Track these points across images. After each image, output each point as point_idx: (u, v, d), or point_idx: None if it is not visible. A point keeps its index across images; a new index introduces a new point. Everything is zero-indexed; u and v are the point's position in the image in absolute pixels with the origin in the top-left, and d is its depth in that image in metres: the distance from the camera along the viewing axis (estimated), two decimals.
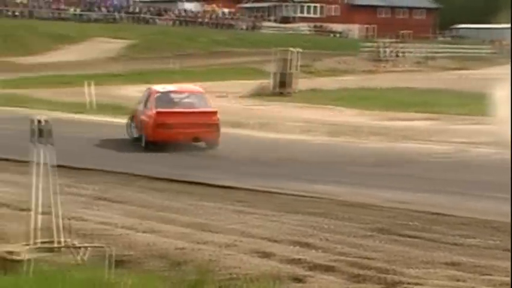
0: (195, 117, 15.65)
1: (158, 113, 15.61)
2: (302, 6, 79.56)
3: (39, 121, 7.01)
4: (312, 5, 79.91)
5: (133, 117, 16.95)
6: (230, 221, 9.14)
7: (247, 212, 9.80)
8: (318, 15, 79.37)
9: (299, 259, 7.43)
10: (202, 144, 15.76)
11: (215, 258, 7.42)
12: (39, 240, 7.17)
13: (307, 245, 7.95)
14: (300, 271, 7.06)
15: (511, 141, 14.17)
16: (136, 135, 16.63)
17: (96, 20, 71.36)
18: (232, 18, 74.83)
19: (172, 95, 16.50)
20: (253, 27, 72.38)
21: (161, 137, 15.48)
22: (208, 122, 15.59)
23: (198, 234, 8.49)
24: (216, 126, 15.62)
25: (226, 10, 75.72)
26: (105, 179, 12.28)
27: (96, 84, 25.13)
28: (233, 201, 10.48)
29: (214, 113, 15.95)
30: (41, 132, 6.99)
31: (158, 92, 16.54)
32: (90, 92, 24.25)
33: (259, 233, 8.54)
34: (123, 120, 17.85)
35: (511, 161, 12.70)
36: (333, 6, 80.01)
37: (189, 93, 16.95)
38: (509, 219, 8.83)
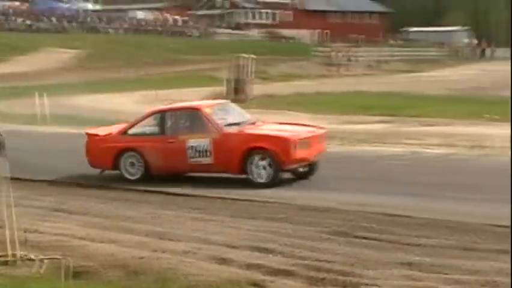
0: None
1: None
2: (254, 13, 79.87)
3: None
4: (265, 11, 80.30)
5: None
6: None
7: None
8: (270, 21, 79.80)
9: (258, 264, 7.43)
10: None
11: (174, 266, 7.38)
12: None
13: (266, 250, 7.96)
14: (259, 276, 7.06)
15: (511, 142, 14.18)
16: None
17: (46, 30, 70.41)
18: (184, 26, 74.68)
19: None
20: (206, 35, 72.33)
21: None
22: None
23: (157, 242, 8.44)
24: None
25: (178, 18, 75.54)
26: (60, 190, 12.13)
27: (48, 95, 24.78)
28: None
29: None
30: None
31: None
32: (43, 103, 23.94)
33: (218, 239, 8.52)
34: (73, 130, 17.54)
35: (511, 161, 12.59)
36: (285, 12, 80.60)
37: None
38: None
